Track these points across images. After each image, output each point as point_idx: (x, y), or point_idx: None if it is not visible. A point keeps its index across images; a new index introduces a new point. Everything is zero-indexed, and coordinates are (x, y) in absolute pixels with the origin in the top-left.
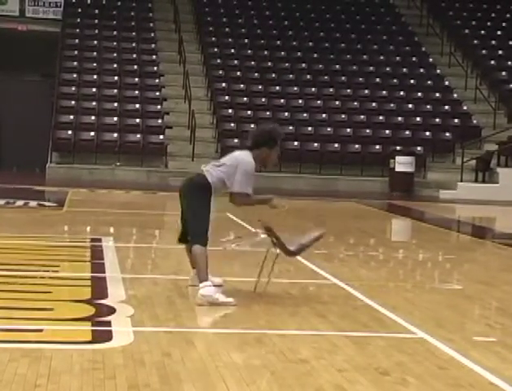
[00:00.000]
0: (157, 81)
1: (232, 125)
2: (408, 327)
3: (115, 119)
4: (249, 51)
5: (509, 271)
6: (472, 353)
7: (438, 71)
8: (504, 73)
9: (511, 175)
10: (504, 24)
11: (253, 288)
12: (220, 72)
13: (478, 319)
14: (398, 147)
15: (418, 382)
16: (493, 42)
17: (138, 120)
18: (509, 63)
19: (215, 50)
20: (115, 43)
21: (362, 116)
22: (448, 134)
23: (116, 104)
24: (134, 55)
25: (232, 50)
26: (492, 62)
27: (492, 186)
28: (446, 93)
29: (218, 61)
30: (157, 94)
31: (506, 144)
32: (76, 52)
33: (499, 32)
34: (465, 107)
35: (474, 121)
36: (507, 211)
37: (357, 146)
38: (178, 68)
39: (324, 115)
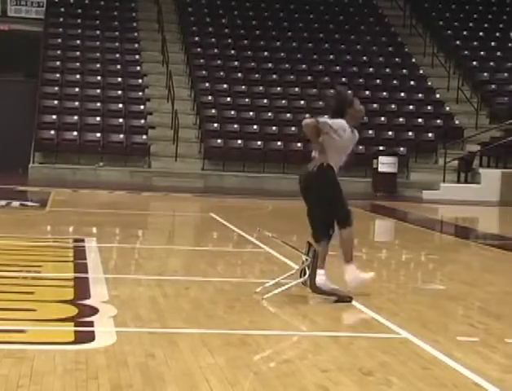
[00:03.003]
0: (140, 81)
1: (216, 125)
2: (391, 327)
3: (98, 119)
4: (233, 51)
5: (491, 272)
6: (456, 353)
7: (421, 71)
8: (486, 74)
9: (493, 176)
10: (486, 25)
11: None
12: (203, 72)
13: (462, 319)
14: (381, 148)
15: (402, 382)
16: (475, 43)
17: (121, 120)
18: (491, 63)
19: (198, 50)
20: (98, 43)
21: None
22: (430, 135)
23: (99, 104)
24: (118, 55)
25: (216, 50)
26: (475, 63)
27: (474, 186)
28: (429, 93)
29: (202, 61)
30: (140, 94)
31: (488, 145)
32: (59, 52)
33: (481, 34)
34: (447, 108)
35: (457, 122)
36: (489, 211)
37: None
38: (162, 68)
39: (307, 115)
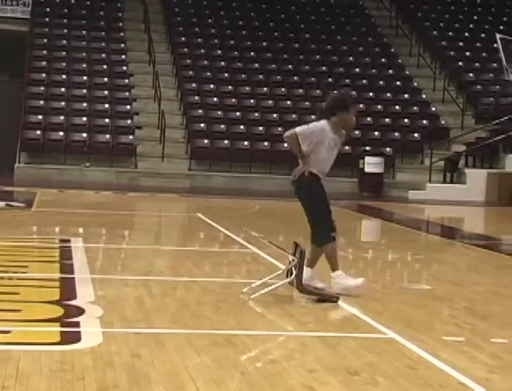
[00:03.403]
0: (127, 81)
1: (202, 125)
2: (377, 327)
3: (84, 119)
4: (219, 52)
5: (477, 272)
6: (441, 353)
7: (407, 72)
8: (471, 75)
9: (479, 176)
10: (471, 26)
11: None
12: (190, 72)
13: (448, 319)
14: (367, 148)
15: (388, 382)
16: (461, 44)
17: (107, 121)
18: (477, 64)
19: (185, 50)
20: (84, 43)
21: None
22: (416, 135)
23: (85, 104)
24: (104, 55)
25: (202, 51)
26: (460, 63)
27: (459, 186)
28: (415, 94)
29: (188, 61)
30: (127, 94)
31: (474, 145)
32: (44, 52)
33: (466, 34)
34: (433, 108)
35: (443, 122)
36: (475, 211)
37: None
38: (148, 68)
39: (293, 115)
